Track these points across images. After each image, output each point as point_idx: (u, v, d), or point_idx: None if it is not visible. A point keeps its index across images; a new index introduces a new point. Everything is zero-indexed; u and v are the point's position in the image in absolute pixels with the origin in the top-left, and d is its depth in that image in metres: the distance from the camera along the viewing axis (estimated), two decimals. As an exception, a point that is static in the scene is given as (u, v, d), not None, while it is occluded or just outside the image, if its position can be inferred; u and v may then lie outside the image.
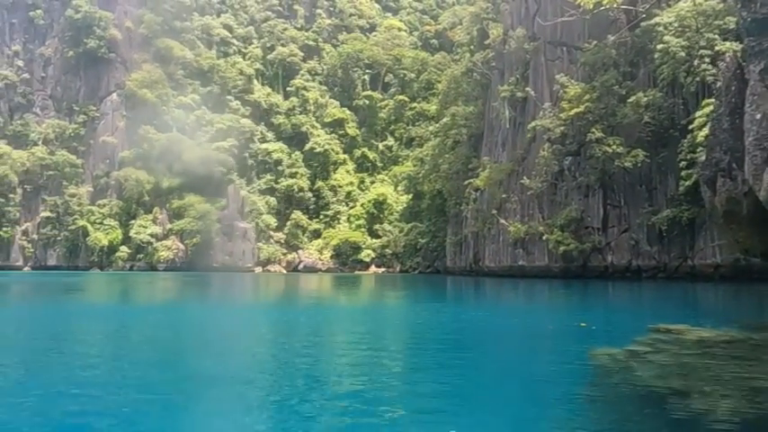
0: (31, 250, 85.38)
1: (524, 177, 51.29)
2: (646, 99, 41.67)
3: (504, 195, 54.65)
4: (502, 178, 55.18)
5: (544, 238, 48.15)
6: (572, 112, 46.07)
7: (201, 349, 11.20)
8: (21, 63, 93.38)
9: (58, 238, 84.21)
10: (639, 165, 42.11)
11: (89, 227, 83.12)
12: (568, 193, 48.60)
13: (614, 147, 42.79)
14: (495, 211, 55.30)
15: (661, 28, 40.88)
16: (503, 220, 54.05)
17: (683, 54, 39.14)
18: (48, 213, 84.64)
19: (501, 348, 10.69)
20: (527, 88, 54.18)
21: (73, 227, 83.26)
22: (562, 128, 47.81)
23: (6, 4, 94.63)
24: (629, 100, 42.67)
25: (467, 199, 61.62)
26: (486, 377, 8.10)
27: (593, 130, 44.27)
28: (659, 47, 40.39)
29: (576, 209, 46.99)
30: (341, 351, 10.80)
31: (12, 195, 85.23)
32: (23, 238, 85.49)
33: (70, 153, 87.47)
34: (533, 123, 50.52)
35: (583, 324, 13.80)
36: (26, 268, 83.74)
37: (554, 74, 51.19)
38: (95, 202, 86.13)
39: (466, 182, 60.53)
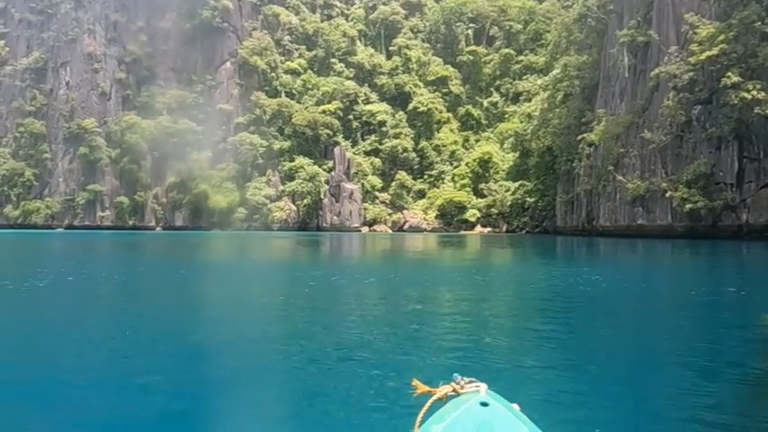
0: (161, 212, 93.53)
1: (645, 130, 47.66)
2: (795, 36, 36.71)
3: (621, 150, 51.31)
4: (619, 132, 51.71)
5: (667, 195, 44.86)
6: (703, 56, 41.79)
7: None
8: (144, 38, 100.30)
9: (184, 201, 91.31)
10: (785, 112, 37.53)
11: (209, 190, 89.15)
12: (696, 145, 44.63)
13: (754, 92, 38.47)
14: (611, 167, 52.22)
15: (817, -49, 35.51)
16: (620, 177, 50.88)
17: None
18: (173, 178, 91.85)
19: (647, 316, 9.92)
20: (650, 32, 49.76)
21: (195, 190, 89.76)
22: (691, 74, 43.63)
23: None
24: (775, 38, 37.82)
25: (579, 155, 58.58)
26: (643, 347, 7.53)
27: (729, 74, 39.92)
28: (814, -26, 35.18)
29: (706, 163, 43.11)
30: (456, 312, 10.55)
31: (143, 162, 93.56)
32: (154, 201, 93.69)
33: (191, 121, 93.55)
34: (657, 70, 46.47)
35: (731, 289, 12.55)
36: (157, 228, 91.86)
37: (682, 14, 46.47)
38: (214, 166, 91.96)
39: (579, 137, 57.43)
